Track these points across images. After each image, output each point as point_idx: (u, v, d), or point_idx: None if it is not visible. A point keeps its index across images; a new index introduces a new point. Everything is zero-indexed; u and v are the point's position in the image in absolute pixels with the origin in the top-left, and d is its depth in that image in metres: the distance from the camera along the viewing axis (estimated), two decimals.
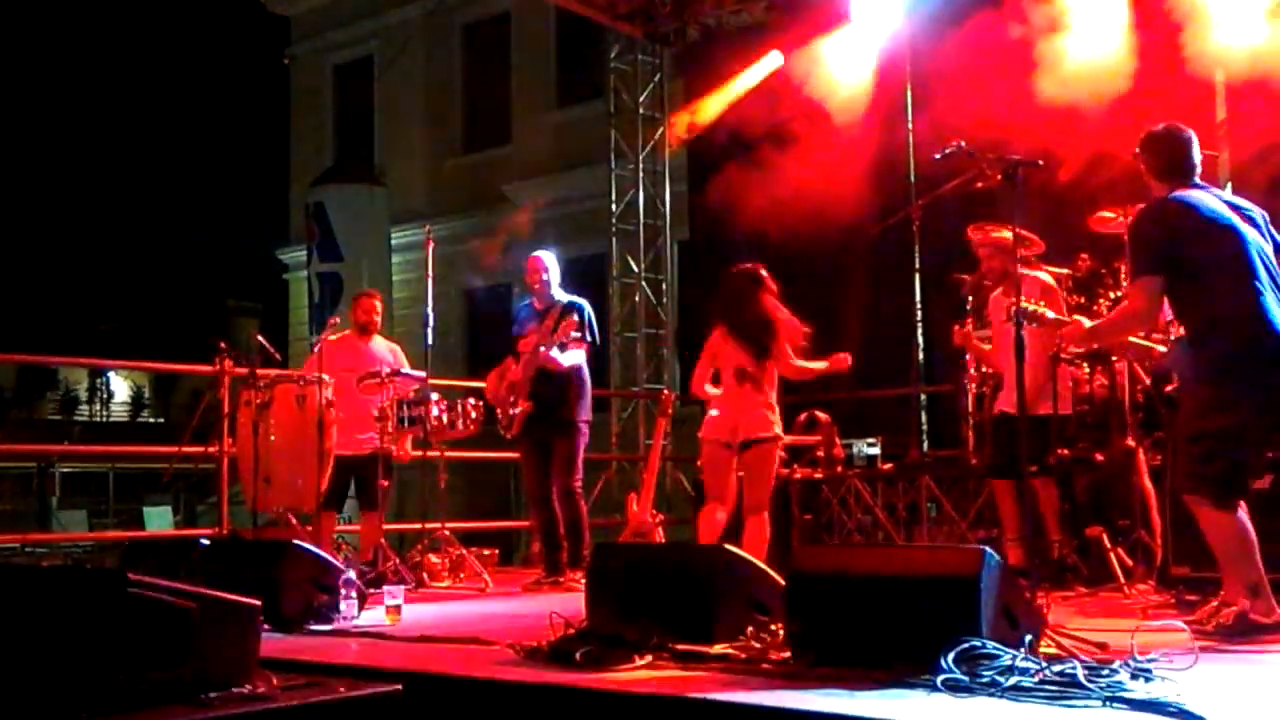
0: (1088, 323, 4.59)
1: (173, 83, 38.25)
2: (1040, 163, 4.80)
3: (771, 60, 9.46)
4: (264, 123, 23.82)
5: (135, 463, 23.89)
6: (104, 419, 33.72)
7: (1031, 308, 4.51)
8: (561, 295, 6.83)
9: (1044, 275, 5.96)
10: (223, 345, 6.98)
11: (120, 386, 34.51)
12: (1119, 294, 6.11)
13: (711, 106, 9.88)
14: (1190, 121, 4.56)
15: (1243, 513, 4.03)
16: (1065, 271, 6.33)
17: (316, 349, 6.88)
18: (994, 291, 6.30)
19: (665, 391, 7.97)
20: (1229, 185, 6.24)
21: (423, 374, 7.01)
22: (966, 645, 3.09)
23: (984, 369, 6.71)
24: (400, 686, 3.18)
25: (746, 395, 5.73)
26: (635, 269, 11.51)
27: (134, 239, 35.29)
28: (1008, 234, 5.66)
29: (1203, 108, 6.35)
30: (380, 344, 7.40)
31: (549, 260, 6.91)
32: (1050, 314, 4.58)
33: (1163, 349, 4.67)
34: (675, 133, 10.76)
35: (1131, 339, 4.68)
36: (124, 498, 24.52)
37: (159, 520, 19.18)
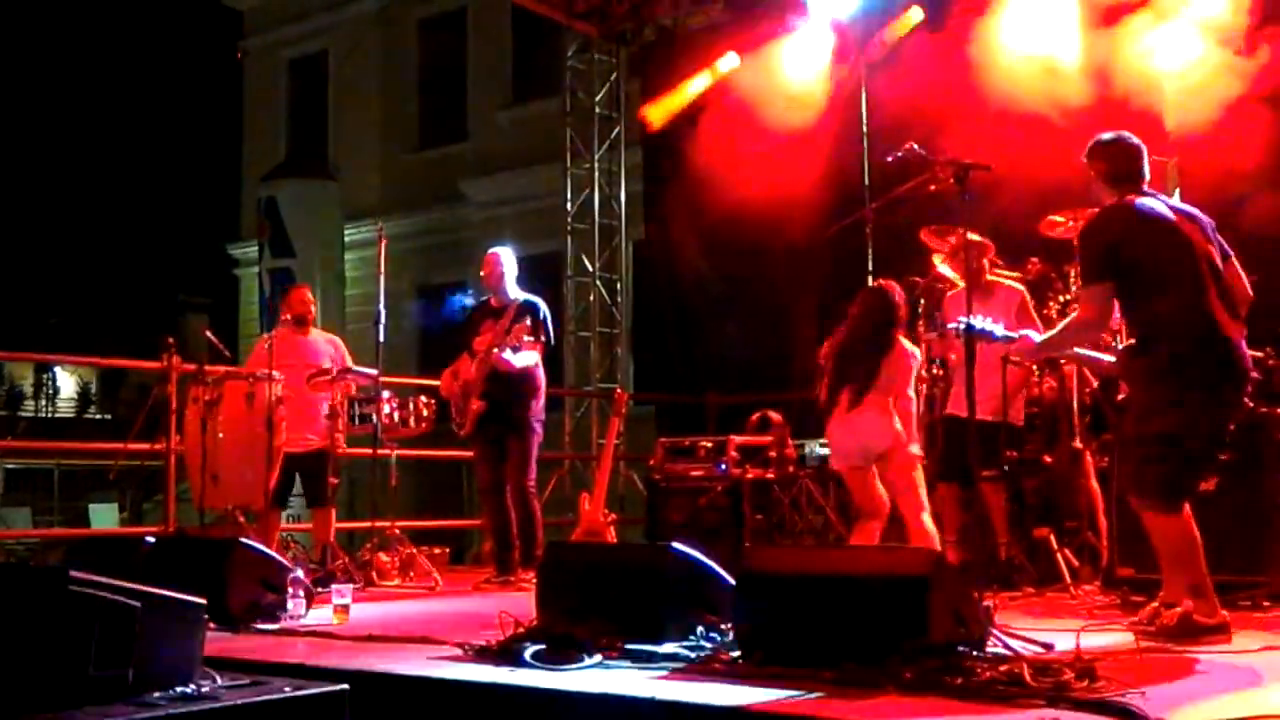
0: (1037, 337, 4.60)
1: (124, 74, 37.64)
2: (991, 166, 4.84)
3: (728, 61, 9.49)
4: (216, 117, 23.55)
5: (81, 459, 23.52)
6: (49, 414, 33.17)
7: (980, 325, 4.47)
8: (518, 293, 6.81)
9: (1021, 287, 6.01)
10: (171, 341, 6.88)
11: (66, 382, 33.95)
12: (1069, 297, 6.18)
13: (678, 99, 9.83)
14: (1140, 127, 4.62)
15: (1187, 515, 4.09)
16: (1015, 275, 6.39)
17: (267, 345, 6.80)
18: (950, 292, 6.31)
19: (619, 390, 7.95)
20: (1177, 191, 6.33)
21: (374, 371, 6.94)
22: (915, 644, 3.12)
23: (935, 371, 6.74)
24: (346, 686, 3.16)
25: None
26: (590, 268, 11.49)
27: (82, 232, 34.69)
28: (977, 237, 5.73)
29: (1153, 114, 6.44)
30: (318, 337, 7.33)
31: (506, 256, 6.88)
32: (999, 331, 4.52)
33: (1110, 359, 4.71)
34: (646, 119, 10.62)
35: (1078, 350, 4.71)
36: (69, 495, 24.12)
37: (104, 518, 18.89)
